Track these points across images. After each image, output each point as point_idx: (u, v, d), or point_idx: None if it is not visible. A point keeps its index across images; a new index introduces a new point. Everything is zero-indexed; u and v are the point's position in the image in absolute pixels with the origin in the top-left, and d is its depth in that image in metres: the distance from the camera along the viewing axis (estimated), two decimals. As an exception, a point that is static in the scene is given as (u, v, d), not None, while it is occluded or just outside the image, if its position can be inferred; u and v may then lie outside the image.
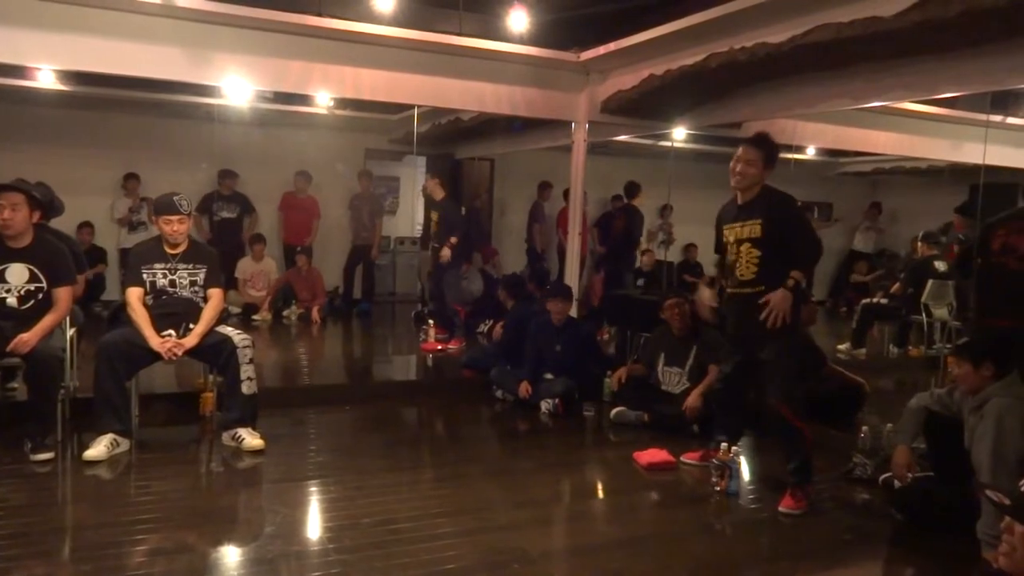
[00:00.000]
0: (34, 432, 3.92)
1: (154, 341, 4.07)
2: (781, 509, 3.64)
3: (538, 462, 4.40)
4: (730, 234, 3.79)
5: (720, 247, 3.97)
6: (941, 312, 7.22)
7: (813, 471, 3.74)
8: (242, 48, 5.26)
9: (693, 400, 4.76)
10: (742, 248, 3.71)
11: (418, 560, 2.98)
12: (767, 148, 3.72)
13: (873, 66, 4.49)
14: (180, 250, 4.30)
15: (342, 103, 8.10)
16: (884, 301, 7.65)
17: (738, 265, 3.74)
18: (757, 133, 3.88)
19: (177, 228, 4.24)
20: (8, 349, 3.82)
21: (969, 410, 3.33)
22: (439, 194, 7.41)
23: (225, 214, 8.67)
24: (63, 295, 4.07)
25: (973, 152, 6.57)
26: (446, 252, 7.10)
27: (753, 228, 3.68)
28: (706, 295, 4.63)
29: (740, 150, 3.75)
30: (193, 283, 4.31)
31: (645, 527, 3.60)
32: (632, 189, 8.92)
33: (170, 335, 4.15)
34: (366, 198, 9.19)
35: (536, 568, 3.02)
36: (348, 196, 9.34)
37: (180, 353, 4.11)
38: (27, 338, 3.81)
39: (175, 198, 4.24)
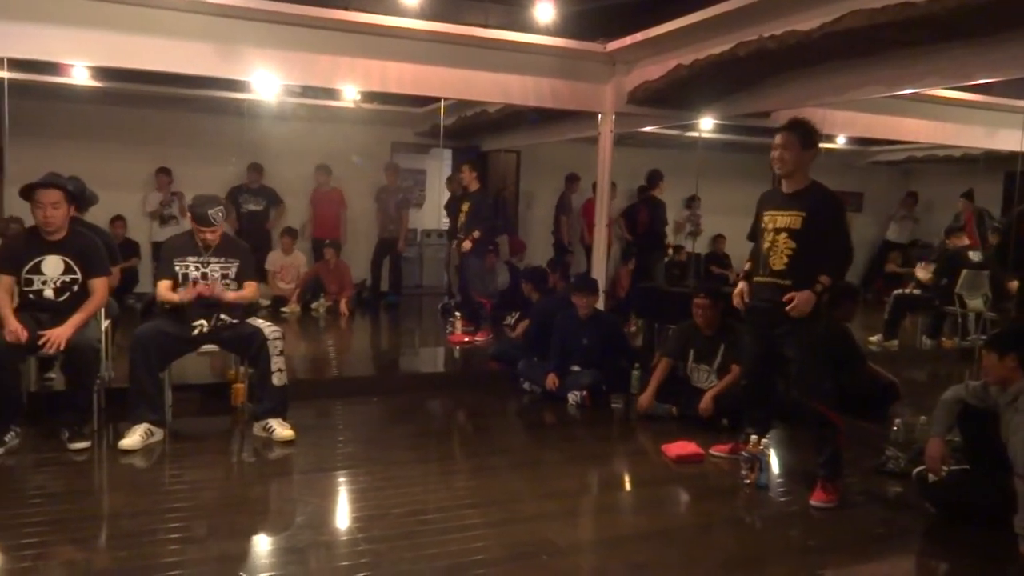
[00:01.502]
0: (71, 421, 4.00)
1: (181, 293, 4.16)
2: (812, 502, 3.60)
3: (566, 454, 4.40)
4: (770, 221, 3.71)
5: (755, 234, 3.90)
6: (976, 303, 7.10)
7: (844, 464, 3.69)
8: (270, 43, 5.31)
9: (706, 403, 4.73)
10: (779, 237, 3.64)
11: (447, 551, 2.99)
12: (801, 130, 3.65)
13: (906, 52, 4.42)
14: (213, 245, 4.36)
15: (369, 96, 8.13)
16: (917, 292, 7.53)
17: (772, 253, 3.67)
18: (791, 118, 3.80)
19: (209, 238, 4.29)
20: (40, 347, 3.87)
21: (1004, 403, 3.28)
22: (474, 185, 7.41)
23: (251, 207, 8.76)
24: (98, 286, 4.14)
25: (1010, 139, 6.45)
26: (467, 243, 7.13)
27: (794, 219, 3.60)
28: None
29: (776, 137, 3.69)
30: (225, 276, 4.35)
31: (673, 519, 3.59)
32: (652, 178, 8.85)
33: (201, 325, 4.21)
34: (392, 191, 9.23)
35: (564, 560, 3.03)
36: (374, 189, 9.38)
37: (208, 294, 4.17)
38: (59, 333, 3.86)
39: (210, 212, 4.22)
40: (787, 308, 3.54)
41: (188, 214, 4.43)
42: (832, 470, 3.64)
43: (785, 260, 3.62)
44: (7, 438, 3.85)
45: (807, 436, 3.90)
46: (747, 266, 3.98)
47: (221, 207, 4.32)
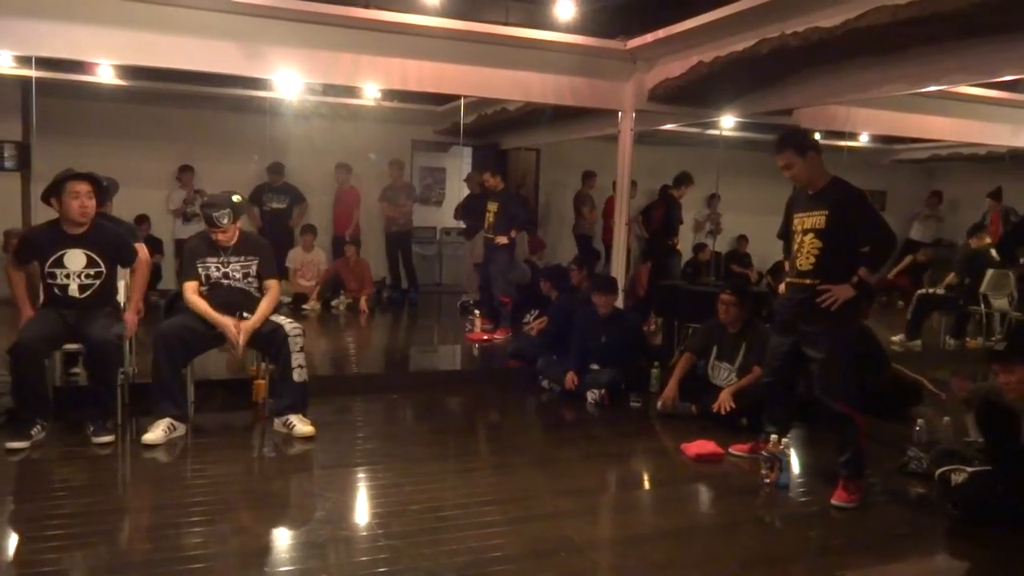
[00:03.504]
0: (96, 416, 4.06)
1: (221, 321, 4.21)
2: (834, 502, 3.58)
3: (584, 452, 4.39)
4: (798, 223, 3.72)
5: (784, 233, 3.92)
6: (1001, 302, 7.01)
7: (866, 463, 3.66)
8: (292, 41, 5.35)
9: (722, 399, 4.70)
10: (805, 238, 3.64)
11: (465, 547, 3.00)
12: (791, 142, 3.64)
13: (930, 49, 4.37)
14: (231, 243, 4.39)
15: (389, 95, 8.16)
16: (941, 292, 7.45)
17: (799, 255, 3.67)
18: (778, 136, 3.76)
19: (221, 237, 4.35)
20: (64, 342, 4.02)
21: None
22: (499, 186, 7.45)
23: (274, 205, 8.82)
24: (137, 266, 4.30)
25: (1036, 137, 6.38)
26: (502, 239, 7.14)
27: (818, 219, 3.60)
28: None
29: (776, 161, 3.68)
30: (246, 274, 4.40)
31: (693, 518, 3.58)
32: (679, 180, 8.84)
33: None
34: (400, 188, 9.26)
35: (582, 557, 3.03)
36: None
37: (244, 337, 4.21)
38: (130, 318, 4.22)
39: (214, 214, 4.28)
40: (821, 298, 3.52)
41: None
42: (854, 470, 3.61)
43: (812, 260, 3.61)
44: (33, 432, 3.91)
45: (827, 435, 3.87)
46: (787, 267, 3.96)
47: (228, 210, 4.32)
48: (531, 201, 10.63)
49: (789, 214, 3.85)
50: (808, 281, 3.62)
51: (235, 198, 4.39)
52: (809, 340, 3.65)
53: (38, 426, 3.96)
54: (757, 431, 4.19)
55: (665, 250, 8.83)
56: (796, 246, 3.71)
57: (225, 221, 4.31)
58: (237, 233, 4.42)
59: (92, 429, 4.03)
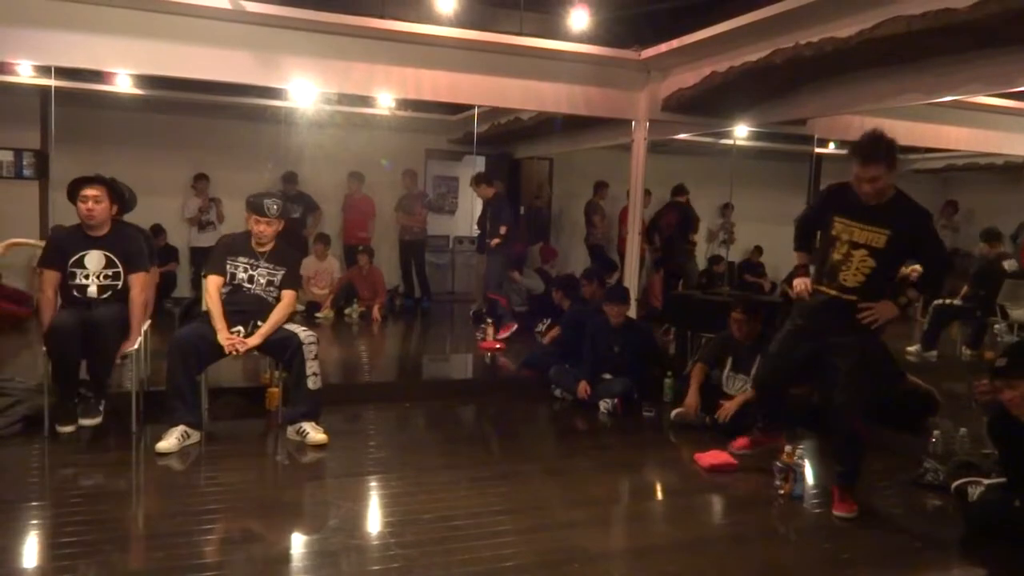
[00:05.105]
0: (86, 396, 4.10)
1: (223, 335, 4.19)
2: (836, 513, 3.56)
3: (597, 462, 4.38)
4: (844, 231, 3.45)
5: (808, 222, 3.72)
6: (1019, 313, 6.94)
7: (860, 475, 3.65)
8: (307, 51, 5.39)
9: (727, 408, 4.67)
10: (856, 252, 3.42)
11: (478, 557, 3.00)
12: (886, 155, 3.32)
13: (946, 59, 4.35)
14: (267, 249, 4.42)
15: (403, 104, 8.21)
16: (959, 302, 7.37)
17: (845, 268, 3.45)
18: (869, 141, 3.39)
19: (263, 229, 4.35)
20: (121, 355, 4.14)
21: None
22: (488, 194, 7.86)
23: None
24: (135, 281, 4.27)
25: (1054, 147, 6.32)
26: (495, 240, 7.55)
27: (876, 237, 3.37)
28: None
29: (859, 168, 3.35)
30: (270, 283, 4.41)
31: (706, 529, 3.56)
32: (677, 190, 8.93)
33: (238, 331, 4.27)
34: (415, 197, 9.31)
35: (595, 567, 3.02)
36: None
37: (243, 351, 4.22)
38: (130, 340, 4.19)
39: (265, 200, 4.33)
40: (863, 315, 3.41)
41: (246, 212, 4.48)
42: (850, 480, 3.60)
43: (861, 279, 3.42)
44: (79, 411, 4.03)
45: (834, 443, 3.84)
46: (802, 260, 3.77)
47: (278, 200, 4.39)
48: (544, 210, 10.65)
49: (827, 210, 3.57)
50: (849, 297, 3.45)
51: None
52: (837, 350, 3.52)
53: (80, 406, 4.05)
54: (751, 426, 4.17)
55: (682, 252, 8.80)
56: (839, 256, 3.47)
57: (275, 209, 4.33)
58: (275, 241, 4.43)
59: (81, 409, 4.06)
